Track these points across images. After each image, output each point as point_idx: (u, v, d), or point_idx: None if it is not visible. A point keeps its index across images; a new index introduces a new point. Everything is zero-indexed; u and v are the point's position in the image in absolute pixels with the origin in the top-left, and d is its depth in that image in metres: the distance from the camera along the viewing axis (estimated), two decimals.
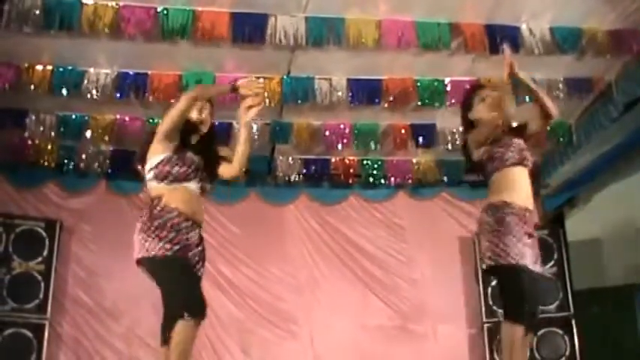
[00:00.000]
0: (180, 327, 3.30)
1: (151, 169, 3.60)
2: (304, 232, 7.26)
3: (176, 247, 3.44)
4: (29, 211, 6.64)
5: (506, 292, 3.77)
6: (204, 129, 3.75)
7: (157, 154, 3.61)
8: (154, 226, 3.45)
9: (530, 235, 3.73)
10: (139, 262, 3.50)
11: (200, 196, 3.68)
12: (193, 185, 3.62)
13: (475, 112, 4.02)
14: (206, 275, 3.72)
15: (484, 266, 3.88)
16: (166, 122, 3.61)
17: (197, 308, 3.40)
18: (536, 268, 3.72)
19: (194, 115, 3.72)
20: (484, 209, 3.86)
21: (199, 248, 3.62)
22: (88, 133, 6.27)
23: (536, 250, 3.77)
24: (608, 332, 6.02)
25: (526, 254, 3.66)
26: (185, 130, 3.68)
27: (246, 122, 3.81)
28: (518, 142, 3.94)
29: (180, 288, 3.43)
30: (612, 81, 5.88)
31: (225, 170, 3.83)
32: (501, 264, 3.65)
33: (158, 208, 3.50)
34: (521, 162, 3.87)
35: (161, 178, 3.56)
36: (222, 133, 5.93)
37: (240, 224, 7.17)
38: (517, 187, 3.82)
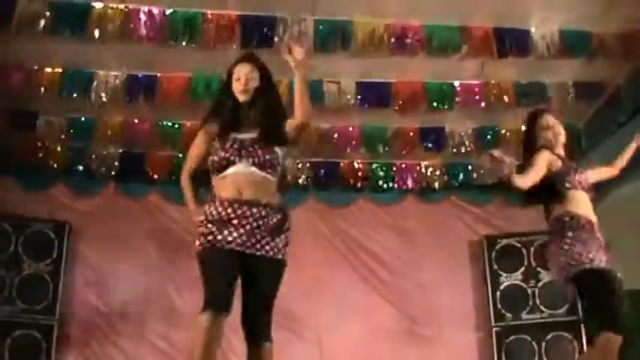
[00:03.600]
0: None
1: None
2: (312, 235, 7.22)
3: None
4: (38, 213, 6.63)
5: None
6: (243, 97, 3.40)
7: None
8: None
9: None
10: None
11: (259, 173, 3.32)
12: (242, 167, 3.30)
13: None
14: None
15: None
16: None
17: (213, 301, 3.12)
18: None
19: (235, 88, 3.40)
20: None
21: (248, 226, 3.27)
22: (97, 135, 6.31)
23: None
24: None
25: None
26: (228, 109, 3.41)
27: (296, 66, 3.47)
28: None
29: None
30: (622, 85, 5.86)
31: (291, 125, 3.53)
32: None
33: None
34: None
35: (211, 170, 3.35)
36: None
37: None
38: None
